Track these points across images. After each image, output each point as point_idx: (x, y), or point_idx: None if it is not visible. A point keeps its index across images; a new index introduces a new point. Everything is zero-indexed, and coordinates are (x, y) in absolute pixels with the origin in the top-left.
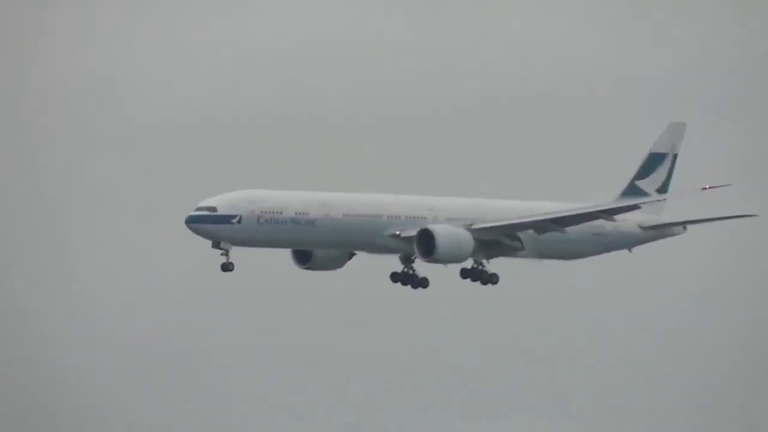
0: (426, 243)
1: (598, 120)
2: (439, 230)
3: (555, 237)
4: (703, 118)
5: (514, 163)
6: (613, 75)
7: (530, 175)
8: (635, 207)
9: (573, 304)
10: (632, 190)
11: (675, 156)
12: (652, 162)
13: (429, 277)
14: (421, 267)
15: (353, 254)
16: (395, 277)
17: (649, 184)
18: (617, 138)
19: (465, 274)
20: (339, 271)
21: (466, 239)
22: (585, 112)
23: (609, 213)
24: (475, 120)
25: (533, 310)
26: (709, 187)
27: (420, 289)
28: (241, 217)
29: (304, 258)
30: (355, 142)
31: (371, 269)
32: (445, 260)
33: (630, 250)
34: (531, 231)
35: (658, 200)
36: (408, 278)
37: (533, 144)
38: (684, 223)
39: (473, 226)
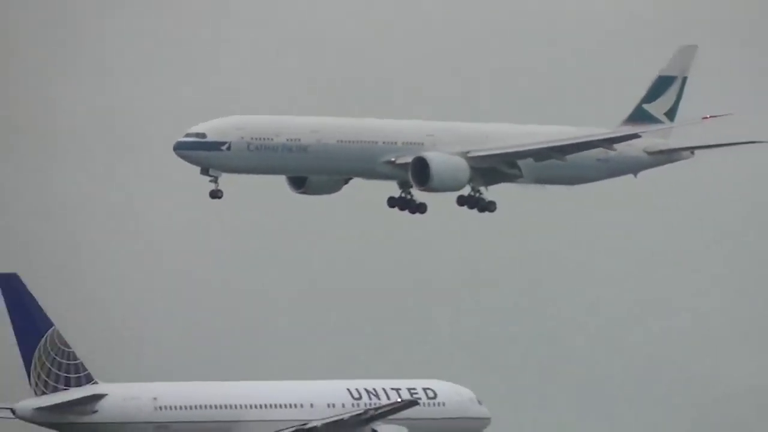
0: (421, 171)
1: (606, 43)
2: (434, 158)
3: (556, 163)
4: (714, 40)
5: (517, 86)
6: None
7: (534, 98)
8: (636, 136)
9: (572, 230)
10: (639, 114)
11: (684, 79)
12: (661, 85)
13: (427, 203)
14: (419, 192)
15: (350, 178)
16: (392, 201)
17: (656, 108)
18: (625, 61)
19: (462, 201)
20: (335, 195)
21: (462, 168)
22: (593, 34)
23: (610, 141)
24: (478, 43)
25: (530, 237)
26: (710, 117)
27: (417, 215)
28: (230, 143)
29: (299, 182)
30: (351, 66)
31: (368, 194)
32: (441, 189)
33: (635, 175)
34: (530, 158)
35: (656, 130)
36: (405, 203)
37: (538, 67)
38: (691, 148)
39: (470, 154)
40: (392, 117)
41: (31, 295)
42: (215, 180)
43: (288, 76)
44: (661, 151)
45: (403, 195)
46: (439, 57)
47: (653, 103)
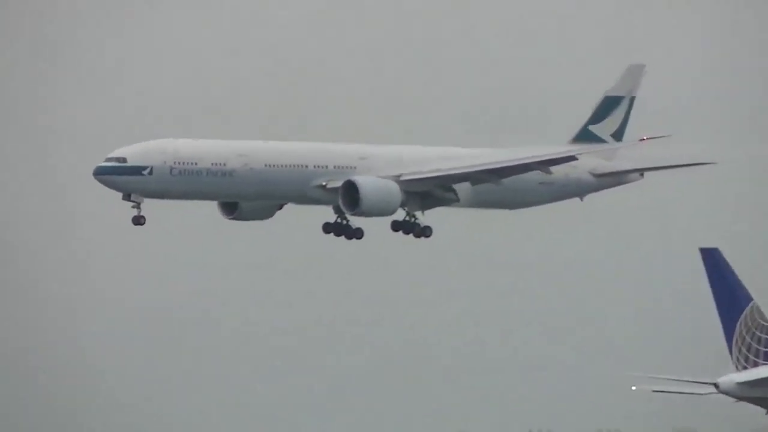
0: (350, 195)
1: (552, 60)
2: (364, 182)
3: (495, 187)
4: (663, 59)
5: (460, 107)
6: (569, 14)
7: (477, 119)
8: (571, 158)
9: (510, 257)
10: (585, 136)
11: (632, 99)
12: (608, 105)
13: (364, 228)
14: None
15: (282, 203)
16: (328, 227)
17: (603, 129)
18: (572, 80)
19: (396, 226)
20: (268, 221)
21: (393, 191)
22: (537, 51)
23: (545, 164)
24: (417, 61)
25: (465, 264)
26: (647, 138)
27: (354, 241)
28: (152, 168)
29: (230, 208)
30: (283, 87)
31: (303, 219)
32: (371, 213)
33: (581, 199)
34: (466, 182)
35: (592, 151)
36: (341, 229)
37: (481, 86)
38: (639, 170)
39: (402, 178)
40: (324, 140)
41: (731, 269)
42: (138, 206)
43: (214, 97)
44: (608, 174)
45: (338, 220)
46: (375, 77)
47: (599, 124)
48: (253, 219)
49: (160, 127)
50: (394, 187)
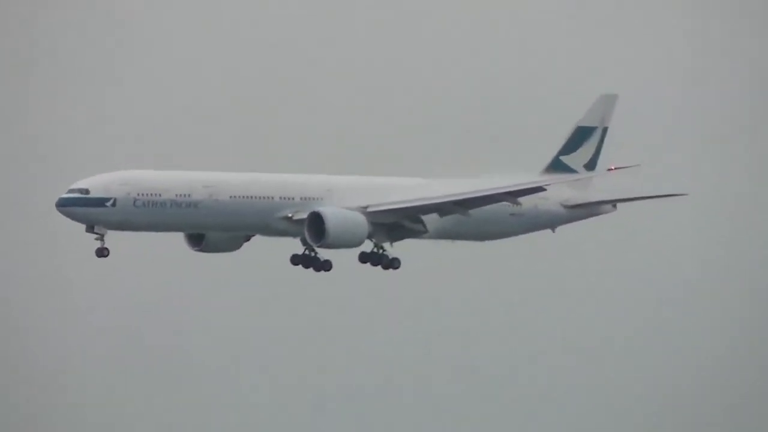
0: (317, 227)
1: (524, 90)
2: (330, 214)
3: (464, 219)
4: (636, 89)
5: (432, 137)
6: (540, 44)
7: (450, 149)
8: (540, 189)
9: (480, 289)
10: (557, 167)
11: (605, 130)
12: (580, 136)
13: (332, 260)
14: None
15: (250, 235)
16: (296, 259)
17: (575, 160)
18: (544, 110)
19: (364, 258)
20: (235, 252)
21: (360, 223)
22: (510, 80)
23: (512, 195)
24: (385, 89)
25: (431, 297)
26: (615, 168)
27: (322, 273)
28: (115, 199)
29: (196, 240)
30: (249, 118)
31: (270, 251)
32: (337, 245)
33: (553, 230)
34: (434, 213)
35: (560, 182)
36: (309, 261)
37: (450, 114)
38: (612, 202)
39: (369, 209)
40: (291, 171)
41: None
42: (101, 238)
43: (180, 127)
44: (580, 205)
45: (306, 252)
46: (343, 106)
47: (571, 155)
48: (220, 251)
49: (121, 156)
50: (361, 219)
